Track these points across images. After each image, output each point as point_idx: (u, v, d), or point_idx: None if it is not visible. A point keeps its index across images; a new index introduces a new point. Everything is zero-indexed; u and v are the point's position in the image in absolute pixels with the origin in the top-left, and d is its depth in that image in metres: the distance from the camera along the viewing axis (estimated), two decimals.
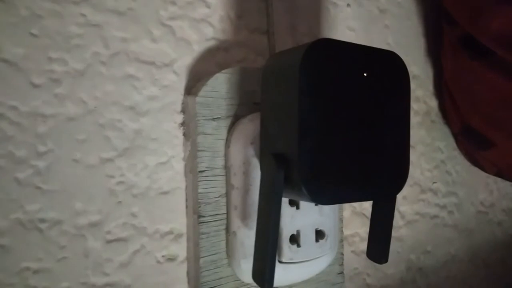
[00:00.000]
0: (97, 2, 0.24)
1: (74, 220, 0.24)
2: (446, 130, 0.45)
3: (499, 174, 0.44)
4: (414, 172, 0.42)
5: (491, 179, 0.50)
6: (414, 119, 0.41)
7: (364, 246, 0.38)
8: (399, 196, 0.40)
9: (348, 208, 0.37)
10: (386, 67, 0.24)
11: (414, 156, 0.42)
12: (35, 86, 0.23)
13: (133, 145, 0.26)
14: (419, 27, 0.41)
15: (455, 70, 0.39)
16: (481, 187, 0.49)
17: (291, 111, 0.21)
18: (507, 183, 0.52)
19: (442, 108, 0.44)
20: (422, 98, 0.42)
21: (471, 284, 0.49)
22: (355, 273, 0.38)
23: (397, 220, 0.41)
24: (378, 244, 0.27)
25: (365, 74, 0.23)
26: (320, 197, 0.21)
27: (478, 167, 0.45)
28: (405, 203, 0.41)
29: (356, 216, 0.37)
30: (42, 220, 0.23)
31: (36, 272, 0.23)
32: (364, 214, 0.38)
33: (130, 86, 0.25)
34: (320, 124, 0.21)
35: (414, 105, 0.42)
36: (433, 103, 0.43)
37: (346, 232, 0.37)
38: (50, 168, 0.23)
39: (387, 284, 0.40)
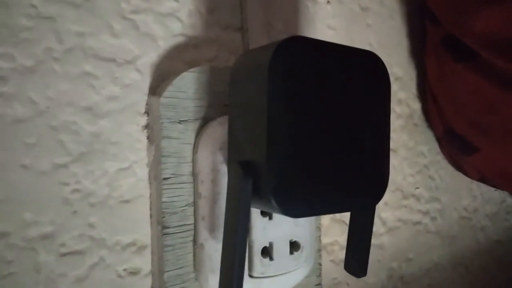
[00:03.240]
0: None
1: (23, 232, 0.22)
2: (429, 134, 0.44)
3: (483, 180, 0.43)
4: (396, 177, 0.40)
5: (475, 184, 0.49)
6: (396, 122, 0.40)
7: (344, 254, 0.36)
8: (380, 202, 0.39)
9: (326, 215, 0.35)
10: (365, 68, 0.22)
11: (396, 160, 0.40)
12: None
13: (90, 150, 0.23)
14: (403, 27, 0.40)
15: (438, 72, 0.38)
16: (464, 193, 0.48)
17: (259, 115, 0.19)
18: (491, 187, 0.51)
19: (425, 111, 0.43)
20: (404, 100, 0.41)
21: None
22: (334, 283, 0.36)
23: (378, 227, 0.39)
24: (357, 257, 0.25)
25: (341, 76, 0.21)
26: (291, 210, 0.20)
27: (462, 172, 0.44)
28: (387, 209, 0.40)
29: (335, 223, 0.36)
30: None
31: None
32: (343, 221, 0.36)
33: (87, 85, 0.23)
34: (291, 130, 0.19)
35: (396, 108, 0.40)
36: (416, 106, 0.42)
37: (325, 240, 0.35)
38: None
39: None
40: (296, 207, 0.20)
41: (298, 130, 0.20)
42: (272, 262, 0.25)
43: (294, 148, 0.20)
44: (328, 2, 0.34)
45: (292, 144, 0.20)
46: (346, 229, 0.36)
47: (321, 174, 0.21)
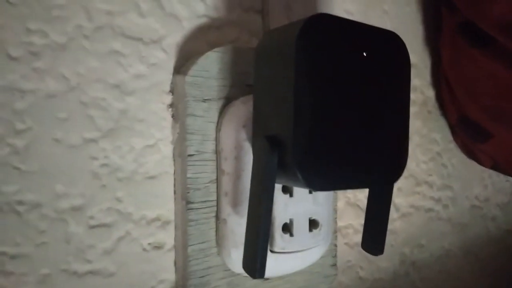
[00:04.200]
0: None
1: (54, 203, 0.23)
2: (442, 122, 0.44)
3: (495, 167, 0.43)
4: (410, 163, 0.41)
5: (486, 173, 0.49)
6: (410, 109, 0.40)
7: (358, 238, 0.37)
8: (394, 188, 0.39)
9: (342, 199, 0.36)
10: (387, 48, 0.23)
11: (410, 147, 0.41)
12: (12, 58, 0.21)
13: (118, 126, 0.24)
14: (418, 14, 0.40)
15: (454, 58, 0.38)
16: (476, 181, 0.49)
17: (286, 89, 0.20)
18: (502, 178, 0.52)
19: (439, 99, 0.43)
20: (419, 87, 0.41)
21: (464, 279, 0.48)
22: (348, 266, 0.37)
23: (391, 213, 0.40)
24: (374, 235, 0.26)
25: (364, 54, 0.22)
26: (315, 183, 0.20)
27: (474, 159, 0.45)
28: (400, 195, 0.40)
29: (350, 207, 0.36)
30: (20, 203, 0.22)
31: (13, 257, 0.22)
32: (358, 206, 0.37)
33: (115, 62, 0.24)
34: (316, 105, 0.20)
35: (411, 95, 0.41)
36: (430, 93, 0.42)
37: (340, 223, 0.36)
38: (28, 147, 0.22)
39: (380, 278, 0.39)
40: (320, 180, 0.20)
41: (323, 106, 0.20)
42: (292, 238, 0.26)
43: (319, 123, 0.20)
44: None
45: (317, 119, 0.20)
46: (360, 213, 0.37)
47: (343, 149, 0.21)
